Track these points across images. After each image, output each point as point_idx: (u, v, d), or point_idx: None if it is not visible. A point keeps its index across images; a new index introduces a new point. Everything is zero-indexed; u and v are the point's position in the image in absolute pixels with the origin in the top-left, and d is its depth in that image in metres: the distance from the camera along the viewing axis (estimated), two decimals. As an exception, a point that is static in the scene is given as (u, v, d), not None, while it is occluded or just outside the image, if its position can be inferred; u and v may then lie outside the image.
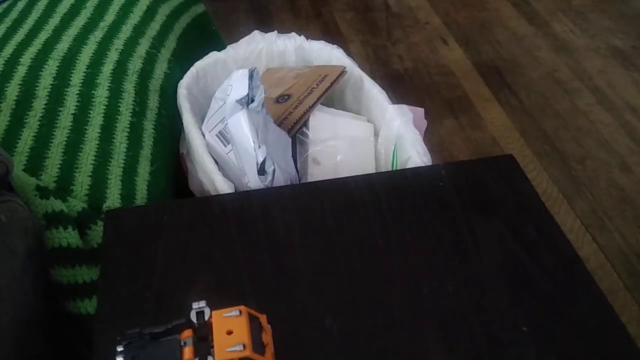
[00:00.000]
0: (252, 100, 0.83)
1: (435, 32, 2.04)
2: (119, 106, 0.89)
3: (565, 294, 0.58)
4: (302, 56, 1.08)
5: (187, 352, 0.46)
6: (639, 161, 1.54)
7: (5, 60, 0.93)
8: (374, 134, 0.95)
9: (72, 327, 0.73)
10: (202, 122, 0.95)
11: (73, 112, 0.87)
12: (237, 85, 0.84)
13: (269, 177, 0.79)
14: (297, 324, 0.56)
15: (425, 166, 0.80)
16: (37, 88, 0.89)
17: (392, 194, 0.69)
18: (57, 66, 0.92)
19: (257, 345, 0.47)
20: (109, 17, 1.05)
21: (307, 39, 1.08)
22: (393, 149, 0.89)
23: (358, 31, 2.03)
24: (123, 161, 0.83)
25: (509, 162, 0.73)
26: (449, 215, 0.66)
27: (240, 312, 0.47)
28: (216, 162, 0.85)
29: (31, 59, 0.93)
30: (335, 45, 1.06)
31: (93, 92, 0.90)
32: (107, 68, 0.94)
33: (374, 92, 0.97)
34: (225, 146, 0.86)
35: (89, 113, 0.87)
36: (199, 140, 0.87)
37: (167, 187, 0.89)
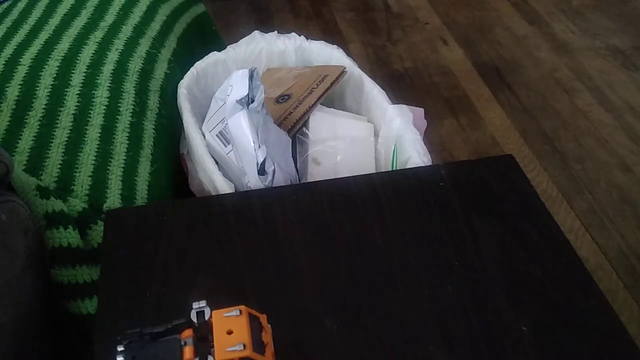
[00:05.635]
0: (252, 101, 0.83)
1: (435, 32, 2.04)
2: (119, 106, 0.89)
3: (565, 294, 0.58)
4: (302, 56, 1.08)
5: (188, 352, 0.46)
6: (639, 161, 1.54)
7: (6, 61, 0.93)
8: (374, 134, 0.95)
9: (72, 327, 0.73)
10: (202, 122, 0.95)
11: (73, 112, 0.87)
12: (237, 86, 0.84)
13: (269, 177, 0.79)
14: (297, 324, 0.56)
15: (425, 166, 0.80)
16: (37, 88, 0.89)
17: (392, 194, 0.69)
18: (58, 66, 0.92)
19: (257, 345, 0.47)
20: (109, 17, 1.06)
21: (307, 39, 1.08)
22: (393, 149, 0.89)
23: (358, 31, 2.03)
24: (123, 161, 0.83)
25: (509, 162, 0.73)
26: (449, 215, 0.66)
27: (240, 311, 0.47)
28: (216, 162, 0.85)
29: (31, 59, 0.93)
30: (335, 46, 1.06)
31: (93, 92, 0.90)
32: (108, 68, 0.94)
33: (374, 92, 0.97)
34: (226, 146, 0.86)
35: (89, 113, 0.87)
36: (199, 141, 0.87)
37: (167, 187, 0.89)
